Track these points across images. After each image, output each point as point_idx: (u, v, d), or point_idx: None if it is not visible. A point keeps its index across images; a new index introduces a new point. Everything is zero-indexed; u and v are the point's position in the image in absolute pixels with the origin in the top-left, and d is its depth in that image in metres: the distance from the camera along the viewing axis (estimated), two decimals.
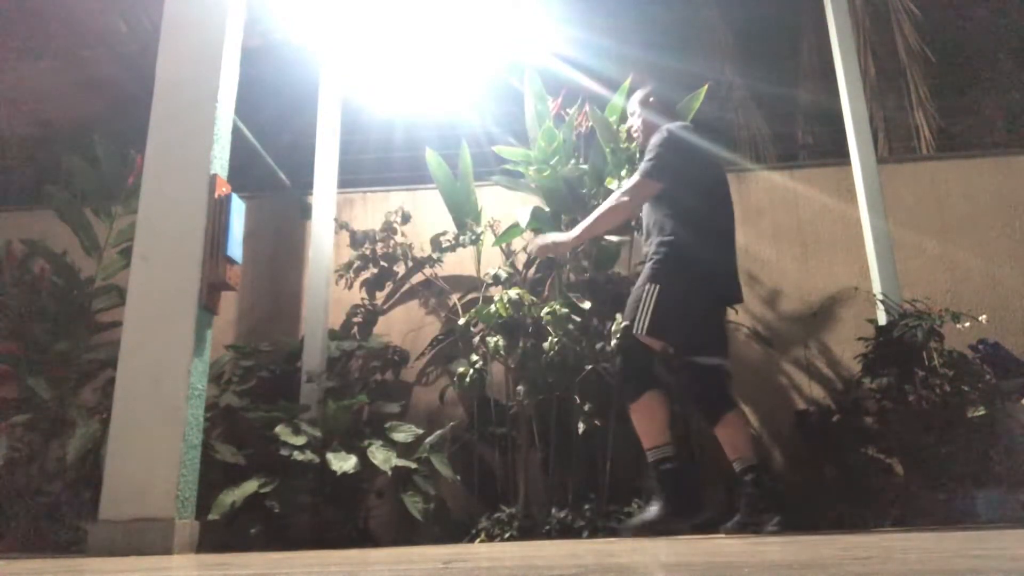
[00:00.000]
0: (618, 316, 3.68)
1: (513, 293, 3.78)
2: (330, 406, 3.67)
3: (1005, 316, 4.37)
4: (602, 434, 3.72)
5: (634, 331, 2.86)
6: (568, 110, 4.25)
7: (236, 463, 3.33)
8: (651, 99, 3.31)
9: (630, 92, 4.06)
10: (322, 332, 4.34)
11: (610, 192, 3.94)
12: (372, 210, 4.93)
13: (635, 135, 3.44)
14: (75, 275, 3.88)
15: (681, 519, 2.72)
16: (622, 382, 3.00)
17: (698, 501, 2.82)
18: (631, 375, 2.91)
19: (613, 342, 3.27)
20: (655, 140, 3.04)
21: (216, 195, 2.88)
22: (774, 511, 2.75)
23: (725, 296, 3.07)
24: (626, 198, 3.03)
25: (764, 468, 2.84)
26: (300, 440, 3.34)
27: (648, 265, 2.95)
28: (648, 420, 2.85)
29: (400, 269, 4.60)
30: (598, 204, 3.98)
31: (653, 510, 2.77)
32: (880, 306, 4.08)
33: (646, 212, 3.15)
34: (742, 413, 3.01)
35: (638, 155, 4.04)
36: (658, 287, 2.83)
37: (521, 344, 3.88)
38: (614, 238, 4.10)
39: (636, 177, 3.03)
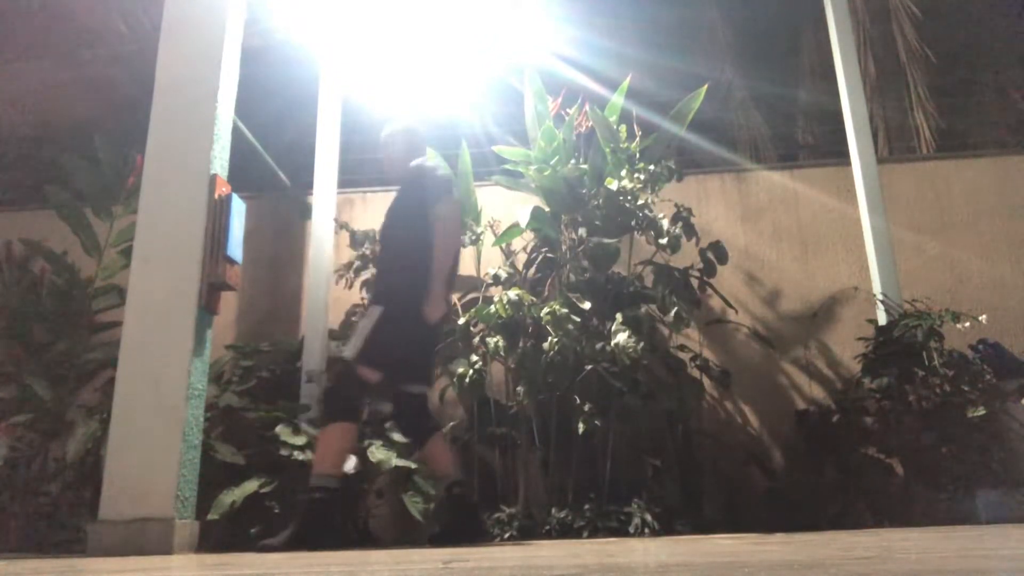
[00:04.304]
0: (618, 316, 3.69)
1: (512, 294, 3.78)
2: None
3: (1005, 316, 4.37)
4: (602, 434, 3.72)
5: (347, 357, 2.83)
6: (568, 110, 4.24)
7: (236, 463, 3.33)
8: (401, 133, 3.26)
9: (627, 92, 4.07)
10: (322, 332, 4.34)
11: (610, 192, 3.95)
12: (372, 210, 4.93)
13: (385, 166, 3.37)
14: (75, 275, 3.88)
15: (303, 546, 2.71)
16: (324, 401, 2.96)
17: (330, 532, 2.82)
18: (334, 399, 2.88)
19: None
20: (420, 169, 3.06)
21: (216, 195, 2.88)
22: (473, 519, 2.92)
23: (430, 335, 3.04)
24: (449, 227, 2.93)
25: (467, 483, 2.97)
26: (300, 440, 3.34)
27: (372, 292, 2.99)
28: (329, 447, 2.82)
29: None
30: (598, 204, 4.01)
31: (284, 534, 2.75)
32: (880, 306, 4.09)
33: (394, 239, 3.11)
34: (443, 435, 3.08)
35: (637, 152, 4.04)
36: (381, 310, 2.85)
37: (521, 344, 3.88)
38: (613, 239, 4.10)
39: (441, 207, 2.92)
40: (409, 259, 2.89)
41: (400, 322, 2.83)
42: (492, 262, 4.51)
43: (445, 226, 2.88)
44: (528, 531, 3.55)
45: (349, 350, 2.81)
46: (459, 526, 2.84)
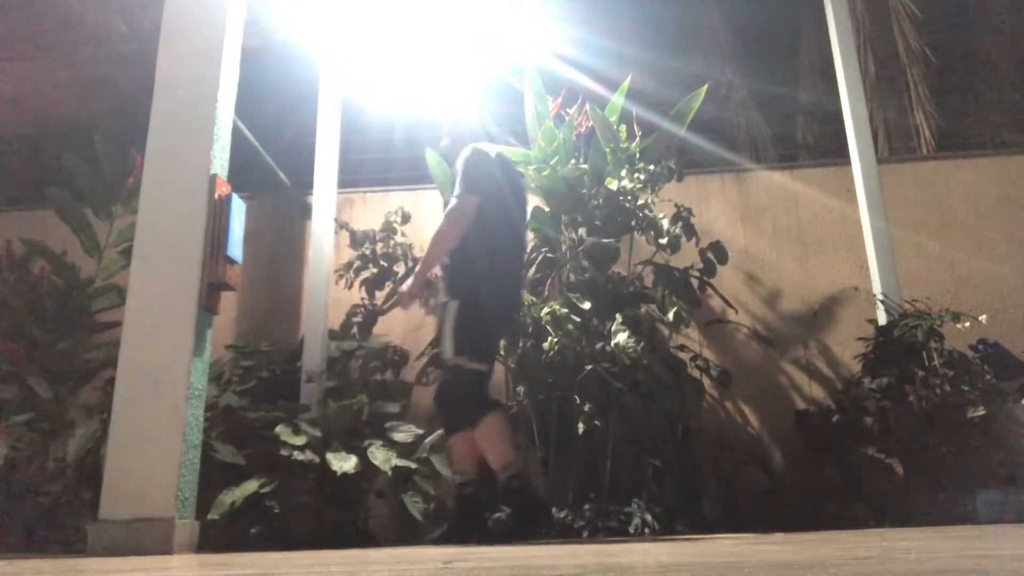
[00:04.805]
0: (618, 316, 3.69)
1: None
2: (330, 406, 3.67)
3: (1005, 316, 4.37)
4: (602, 434, 3.72)
5: (449, 359, 2.79)
6: (568, 110, 4.24)
7: (236, 463, 3.33)
8: (462, 121, 3.28)
9: (627, 92, 4.07)
10: (322, 332, 4.34)
11: (610, 192, 3.94)
12: (372, 210, 4.93)
13: (449, 152, 3.38)
14: (75, 275, 3.88)
15: (530, 531, 2.75)
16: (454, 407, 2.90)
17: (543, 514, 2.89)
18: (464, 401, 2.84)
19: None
20: (462, 158, 2.99)
21: (216, 195, 2.88)
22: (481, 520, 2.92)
23: (504, 312, 3.05)
24: (451, 221, 2.86)
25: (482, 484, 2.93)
26: (300, 440, 3.34)
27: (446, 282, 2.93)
28: (493, 441, 2.80)
29: (400, 269, 4.60)
30: (598, 204, 4.00)
31: (506, 520, 2.81)
32: (880, 306, 4.09)
33: None
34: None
35: (637, 152, 4.04)
36: (458, 304, 2.82)
37: (521, 344, 3.88)
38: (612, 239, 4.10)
39: (456, 197, 2.89)
40: (461, 249, 2.87)
41: (471, 309, 2.81)
42: None
43: (448, 217, 2.84)
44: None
45: (447, 352, 2.79)
46: (470, 526, 2.81)
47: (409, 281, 2.96)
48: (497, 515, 3.13)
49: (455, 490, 2.91)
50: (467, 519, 2.87)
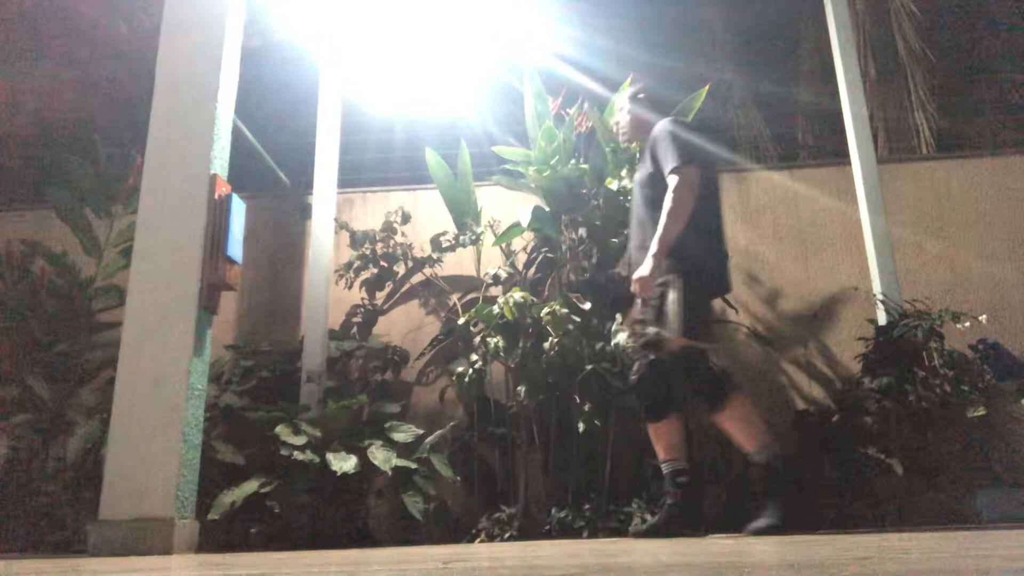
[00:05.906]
0: (618, 316, 3.68)
1: (518, 296, 3.79)
2: (330, 406, 3.67)
3: (1005, 316, 4.37)
4: (602, 434, 3.72)
5: (674, 335, 2.67)
6: (568, 110, 4.24)
7: (236, 463, 3.33)
8: (640, 95, 3.27)
9: (618, 91, 4.07)
10: (322, 332, 4.34)
11: (610, 192, 3.94)
12: (372, 210, 4.93)
13: (622, 131, 3.41)
14: (75, 275, 3.88)
15: (689, 529, 2.80)
16: (649, 394, 2.87)
17: (697, 514, 2.92)
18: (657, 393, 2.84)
19: (618, 341, 3.23)
20: (662, 131, 2.94)
21: (216, 195, 2.88)
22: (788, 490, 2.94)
23: (718, 288, 3.03)
24: (682, 194, 2.78)
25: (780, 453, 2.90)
26: (300, 440, 3.34)
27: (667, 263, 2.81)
28: (667, 440, 2.86)
29: (400, 269, 4.60)
30: (598, 204, 3.99)
31: (654, 521, 2.84)
32: (880, 306, 4.08)
33: (640, 208, 3.02)
34: (746, 397, 2.97)
35: (637, 152, 4.04)
36: (682, 281, 2.73)
37: (521, 344, 3.88)
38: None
39: (675, 172, 2.81)
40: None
41: (694, 286, 2.75)
42: (492, 262, 4.51)
43: (678, 191, 2.75)
44: (528, 531, 3.55)
45: (673, 331, 2.66)
46: (785, 501, 2.79)
47: (647, 265, 2.79)
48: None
49: (667, 480, 2.86)
50: (689, 507, 2.84)
